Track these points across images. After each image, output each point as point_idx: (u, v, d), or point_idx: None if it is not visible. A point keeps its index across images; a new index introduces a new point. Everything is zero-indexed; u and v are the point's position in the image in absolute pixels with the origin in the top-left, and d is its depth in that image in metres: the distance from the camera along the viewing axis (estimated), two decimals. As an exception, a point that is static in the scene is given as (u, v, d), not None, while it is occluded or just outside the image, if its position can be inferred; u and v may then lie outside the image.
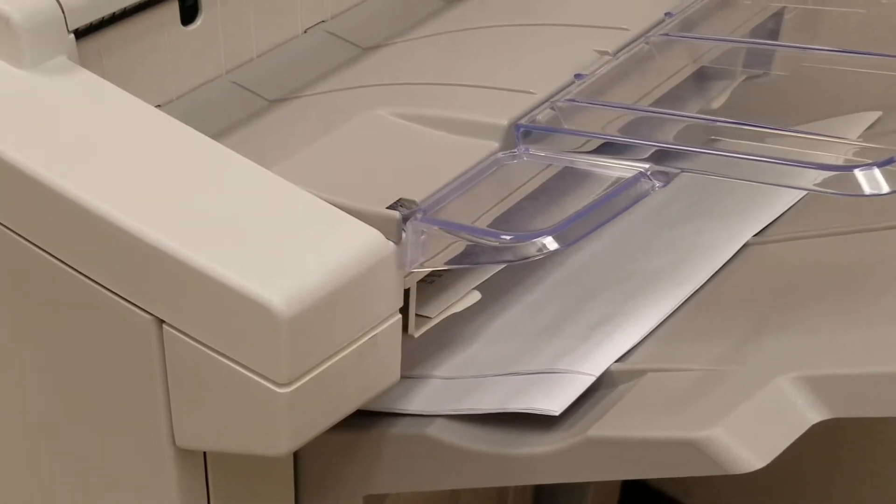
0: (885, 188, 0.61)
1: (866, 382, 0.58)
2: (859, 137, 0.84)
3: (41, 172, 0.64)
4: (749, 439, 0.57)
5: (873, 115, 0.87)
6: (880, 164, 0.60)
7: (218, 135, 0.74)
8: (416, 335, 0.69)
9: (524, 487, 1.06)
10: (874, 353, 0.60)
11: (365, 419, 0.72)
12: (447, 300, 0.71)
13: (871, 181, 0.60)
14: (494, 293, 0.77)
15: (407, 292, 0.66)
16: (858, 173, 0.60)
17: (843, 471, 1.18)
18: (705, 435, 0.58)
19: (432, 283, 0.71)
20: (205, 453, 0.69)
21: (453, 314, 0.71)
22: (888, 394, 0.58)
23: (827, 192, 0.62)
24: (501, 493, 1.04)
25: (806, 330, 0.65)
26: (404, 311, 0.66)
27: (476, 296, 0.72)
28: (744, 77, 0.87)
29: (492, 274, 0.72)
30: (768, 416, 0.59)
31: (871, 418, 0.60)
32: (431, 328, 0.70)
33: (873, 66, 0.78)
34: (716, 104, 0.87)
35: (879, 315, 0.64)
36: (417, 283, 0.68)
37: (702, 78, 0.86)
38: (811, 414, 0.59)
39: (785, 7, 0.89)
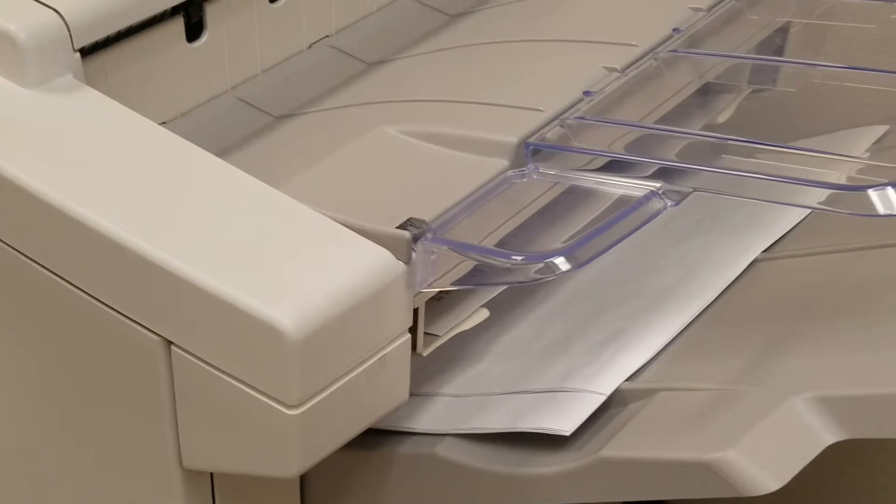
0: None
1: (883, 403, 0.58)
2: (866, 152, 0.84)
3: (46, 192, 0.64)
4: (764, 461, 0.57)
5: (880, 129, 0.87)
6: (895, 184, 0.60)
7: (223, 152, 0.74)
8: (425, 353, 0.69)
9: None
10: (889, 373, 0.60)
11: (373, 438, 0.71)
12: (455, 318, 0.71)
13: (884, 201, 0.60)
14: (502, 310, 0.76)
15: (416, 311, 0.66)
16: (872, 193, 0.60)
17: (848, 479, 1.17)
18: (719, 457, 0.57)
19: (440, 301, 0.71)
20: (212, 474, 0.69)
21: (461, 331, 0.71)
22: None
23: (840, 212, 0.61)
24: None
25: (819, 349, 0.64)
26: (413, 329, 0.66)
27: (484, 313, 0.72)
28: (749, 90, 0.87)
29: (500, 291, 0.72)
30: (783, 437, 0.58)
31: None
32: (439, 345, 0.70)
33: (880, 82, 0.77)
34: (721, 118, 0.87)
35: (893, 333, 0.64)
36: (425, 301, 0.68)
37: (707, 92, 0.85)
38: (827, 435, 0.58)
39: (790, 22, 0.88)
